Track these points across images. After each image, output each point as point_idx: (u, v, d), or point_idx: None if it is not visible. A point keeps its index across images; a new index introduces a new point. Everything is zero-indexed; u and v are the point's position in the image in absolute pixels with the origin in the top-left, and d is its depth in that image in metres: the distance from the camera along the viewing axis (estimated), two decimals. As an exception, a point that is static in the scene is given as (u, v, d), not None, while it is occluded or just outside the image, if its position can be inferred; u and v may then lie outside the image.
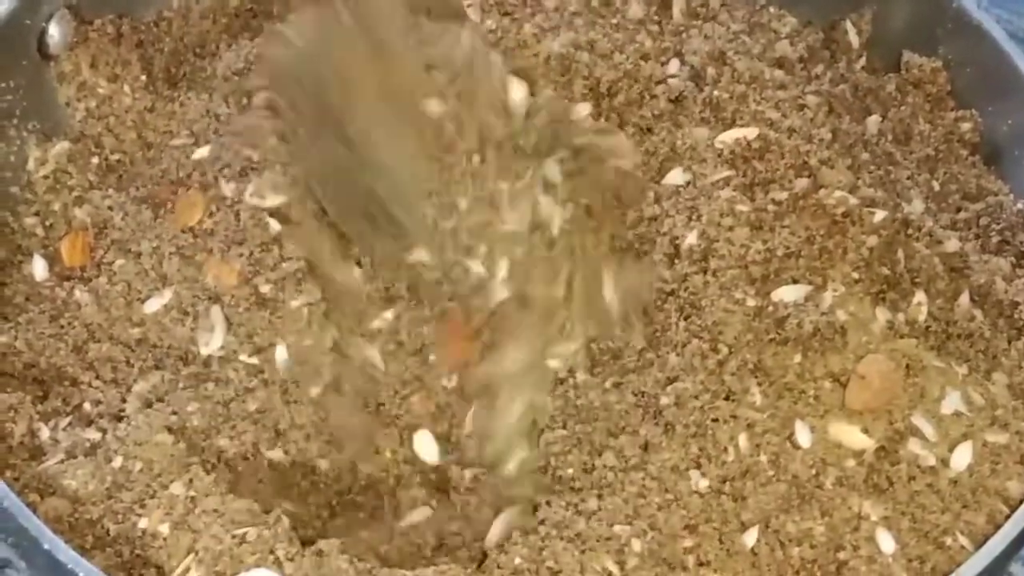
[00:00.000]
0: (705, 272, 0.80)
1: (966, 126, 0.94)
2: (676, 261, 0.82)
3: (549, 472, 0.78)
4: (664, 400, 0.78)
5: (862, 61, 0.99)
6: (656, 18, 0.97)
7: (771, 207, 0.82)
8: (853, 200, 0.82)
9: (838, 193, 0.82)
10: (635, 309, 0.82)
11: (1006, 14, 1.21)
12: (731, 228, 0.81)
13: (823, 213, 0.81)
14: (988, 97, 0.93)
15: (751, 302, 0.79)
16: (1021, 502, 0.75)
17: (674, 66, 0.92)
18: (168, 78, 0.96)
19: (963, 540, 0.74)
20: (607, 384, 0.81)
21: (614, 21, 0.95)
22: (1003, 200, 0.90)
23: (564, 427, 0.80)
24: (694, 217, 0.82)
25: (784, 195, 0.82)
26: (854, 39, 0.99)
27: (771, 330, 0.79)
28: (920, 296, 0.81)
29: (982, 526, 0.74)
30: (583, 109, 0.89)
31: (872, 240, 0.81)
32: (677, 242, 0.82)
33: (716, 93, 0.88)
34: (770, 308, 0.79)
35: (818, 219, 0.81)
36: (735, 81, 0.89)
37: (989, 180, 0.92)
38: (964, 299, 0.82)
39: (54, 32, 0.93)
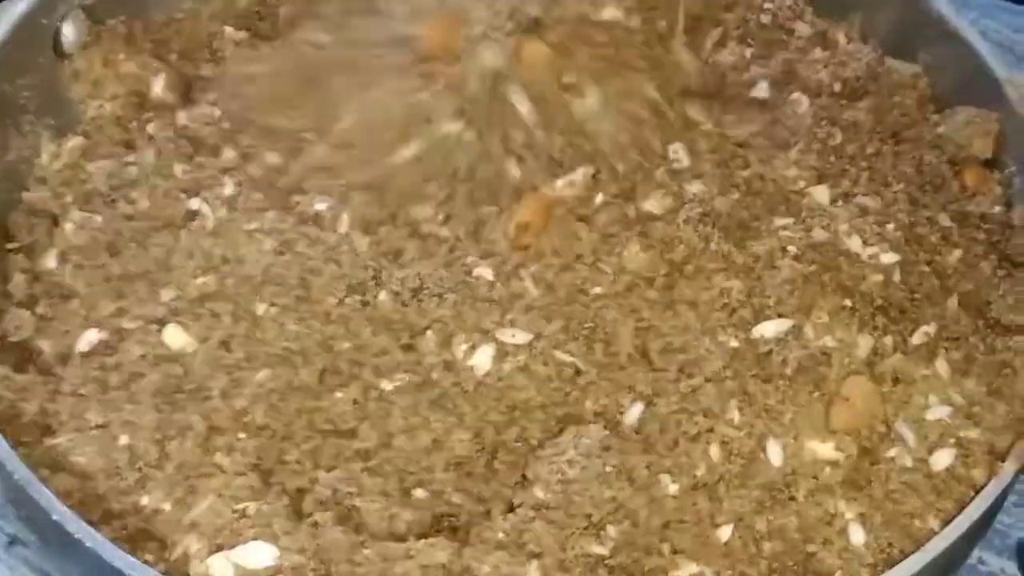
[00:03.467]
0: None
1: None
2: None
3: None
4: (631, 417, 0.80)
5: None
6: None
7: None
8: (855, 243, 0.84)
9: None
10: None
11: (995, 24, 1.23)
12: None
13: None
14: (966, 102, 0.95)
15: (733, 343, 0.81)
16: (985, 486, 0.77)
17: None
18: (179, 77, 0.98)
19: (933, 523, 0.77)
20: None
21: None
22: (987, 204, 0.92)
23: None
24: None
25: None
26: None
27: (753, 367, 0.81)
28: (927, 327, 0.83)
29: (951, 512, 0.77)
30: None
31: (873, 278, 0.84)
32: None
33: None
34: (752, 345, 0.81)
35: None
36: None
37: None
38: (952, 303, 0.85)
39: (68, 32, 0.95)
